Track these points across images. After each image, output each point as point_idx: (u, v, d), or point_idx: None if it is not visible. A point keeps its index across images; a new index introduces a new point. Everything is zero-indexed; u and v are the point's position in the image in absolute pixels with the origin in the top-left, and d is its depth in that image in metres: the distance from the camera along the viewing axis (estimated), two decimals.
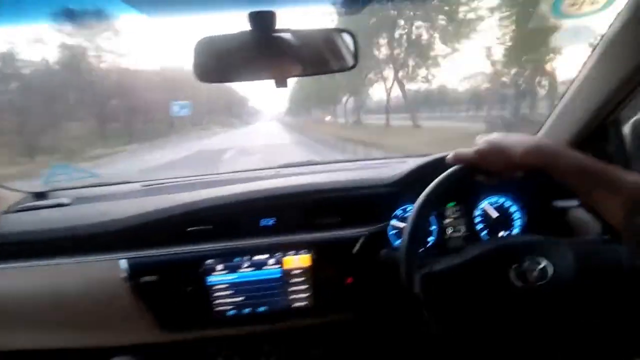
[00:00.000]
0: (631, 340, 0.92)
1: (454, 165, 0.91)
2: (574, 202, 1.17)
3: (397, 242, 1.21)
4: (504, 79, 15.78)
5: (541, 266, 0.87)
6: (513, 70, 14.81)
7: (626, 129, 1.16)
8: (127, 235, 1.17)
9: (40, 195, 1.41)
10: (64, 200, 1.36)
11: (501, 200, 1.27)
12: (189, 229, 1.18)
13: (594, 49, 1.05)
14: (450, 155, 0.93)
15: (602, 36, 1.01)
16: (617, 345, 0.91)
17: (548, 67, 13.05)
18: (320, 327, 1.22)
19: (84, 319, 1.16)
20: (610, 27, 0.99)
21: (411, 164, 1.27)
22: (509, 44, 13.57)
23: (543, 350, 0.92)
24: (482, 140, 0.89)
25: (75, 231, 1.19)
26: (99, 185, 1.59)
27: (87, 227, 1.19)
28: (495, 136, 0.88)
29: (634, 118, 1.16)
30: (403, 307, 0.95)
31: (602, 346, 0.92)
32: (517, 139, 0.86)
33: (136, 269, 1.11)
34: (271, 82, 0.86)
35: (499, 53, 15.50)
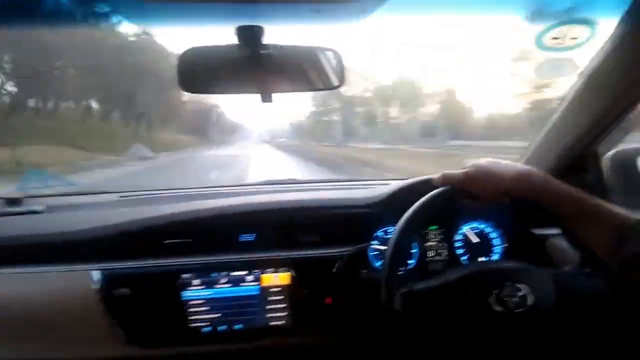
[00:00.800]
0: None
1: (440, 186, 0.92)
2: (553, 231, 1.18)
3: (378, 264, 1.20)
4: None
5: (521, 293, 0.86)
6: None
7: (605, 161, 1.18)
8: (101, 246, 1.14)
9: (13, 202, 1.38)
10: (38, 208, 1.32)
11: (482, 225, 1.27)
12: (166, 242, 1.16)
13: (575, 82, 1.08)
14: (437, 176, 0.94)
15: (584, 69, 1.04)
16: None
17: None
18: (298, 346, 1.20)
19: (53, 330, 1.12)
20: (591, 61, 1.02)
21: (394, 186, 1.27)
22: None
23: None
24: (471, 164, 0.90)
25: (48, 239, 1.15)
26: (75, 194, 1.56)
27: (61, 235, 1.16)
28: (484, 161, 0.90)
29: (613, 151, 1.19)
30: (382, 328, 0.94)
31: None
32: (506, 165, 0.88)
33: (109, 281, 1.08)
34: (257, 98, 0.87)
35: None
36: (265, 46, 0.82)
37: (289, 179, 1.73)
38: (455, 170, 0.92)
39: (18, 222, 1.26)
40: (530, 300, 0.86)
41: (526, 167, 0.89)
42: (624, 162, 1.21)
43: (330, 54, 0.91)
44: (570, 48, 0.99)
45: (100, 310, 1.08)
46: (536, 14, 1.01)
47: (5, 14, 0.98)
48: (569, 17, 0.96)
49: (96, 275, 1.08)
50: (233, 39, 0.80)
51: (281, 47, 0.84)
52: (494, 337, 0.87)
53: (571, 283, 0.91)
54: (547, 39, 0.99)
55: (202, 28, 0.88)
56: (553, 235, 1.18)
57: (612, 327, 0.87)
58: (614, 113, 1.02)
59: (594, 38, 0.96)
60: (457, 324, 0.88)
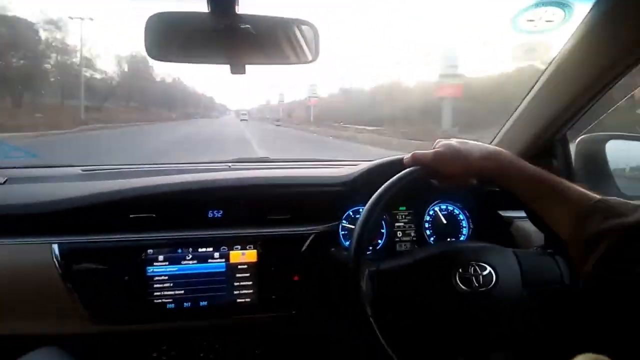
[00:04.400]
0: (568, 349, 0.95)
1: (410, 166, 0.92)
2: (519, 213, 1.20)
3: (347, 243, 1.20)
4: None
5: (485, 272, 0.88)
6: None
7: (573, 146, 1.21)
8: (63, 219, 1.10)
9: None
10: None
11: (450, 207, 1.29)
12: (131, 216, 1.13)
13: (546, 67, 1.09)
14: (407, 156, 0.94)
15: (555, 55, 1.05)
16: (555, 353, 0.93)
17: None
18: (264, 324, 1.20)
19: (11, 304, 1.07)
20: (562, 46, 1.03)
21: (365, 165, 1.27)
22: None
23: (480, 351, 0.93)
24: (441, 144, 0.91)
25: (7, 211, 1.11)
26: (37, 167, 1.51)
27: (21, 207, 1.11)
28: (454, 141, 0.91)
29: (580, 136, 1.21)
30: (348, 305, 0.95)
31: (540, 352, 0.95)
32: (475, 145, 0.90)
33: (70, 255, 1.05)
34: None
35: None
36: (238, 16, 0.79)
37: (260, 157, 1.72)
38: (425, 150, 0.92)
39: None
40: (493, 278, 0.88)
41: (495, 147, 0.91)
42: (592, 148, 1.24)
43: (306, 28, 0.88)
44: (545, 31, 0.99)
45: (61, 285, 1.04)
46: None
47: None
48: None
49: (57, 248, 1.05)
50: (204, 7, 0.77)
51: (255, 17, 0.82)
52: (459, 316, 0.89)
53: (535, 263, 0.93)
54: (522, 21, 0.99)
55: None
56: (519, 217, 1.21)
57: (574, 306, 0.89)
58: (583, 99, 1.04)
59: (568, 22, 0.97)
60: (423, 302, 0.89)
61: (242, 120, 47.17)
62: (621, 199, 0.77)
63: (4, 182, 1.27)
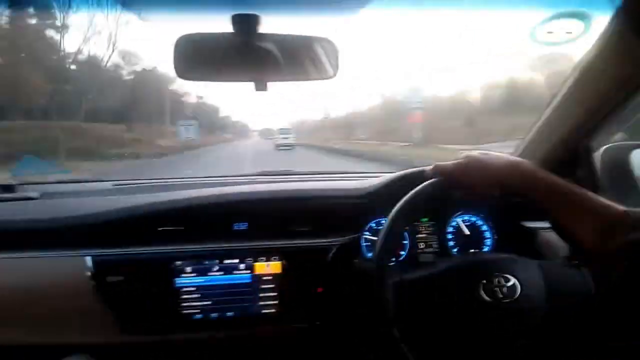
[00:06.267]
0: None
1: (432, 177, 0.92)
2: (543, 224, 1.19)
3: (370, 254, 1.21)
4: None
5: (510, 284, 0.88)
6: None
7: (597, 156, 1.19)
8: (95, 233, 1.15)
9: (8, 188, 1.38)
10: (32, 194, 1.33)
11: (473, 218, 1.28)
12: (159, 229, 1.16)
13: (568, 76, 1.09)
14: (430, 167, 0.94)
15: (577, 63, 1.05)
16: None
17: None
18: (288, 335, 1.21)
19: (45, 316, 1.12)
20: (585, 54, 1.02)
21: (387, 177, 1.28)
22: None
23: None
24: (464, 155, 0.91)
25: (42, 225, 1.16)
26: (69, 182, 1.56)
27: (54, 221, 1.16)
28: (476, 153, 0.91)
29: (605, 146, 1.20)
30: (372, 317, 0.95)
31: None
32: (498, 157, 0.89)
33: (102, 267, 1.09)
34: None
35: None
36: (260, 35, 0.82)
37: (283, 170, 1.74)
38: (448, 161, 0.93)
39: (12, 208, 1.26)
40: (518, 290, 0.87)
41: (517, 158, 0.90)
42: (616, 158, 1.22)
43: (325, 44, 0.91)
44: (564, 42, 0.99)
45: (92, 297, 1.08)
46: None
47: None
48: (564, 11, 0.96)
49: (89, 261, 1.09)
50: (228, 27, 0.80)
51: (276, 35, 0.85)
52: (482, 327, 0.88)
53: (560, 274, 0.92)
54: (541, 33, 0.99)
55: (197, 16, 0.88)
56: (543, 228, 1.19)
57: (599, 318, 0.88)
58: (606, 108, 1.03)
59: (588, 33, 0.96)
60: (446, 314, 0.89)
61: (282, 148, 21.18)
62: None
63: (39, 197, 1.32)
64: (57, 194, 1.38)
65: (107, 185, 1.49)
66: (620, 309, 0.78)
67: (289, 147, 21.44)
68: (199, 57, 0.84)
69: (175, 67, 0.83)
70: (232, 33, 0.81)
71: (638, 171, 1.20)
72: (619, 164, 1.21)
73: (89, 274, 1.08)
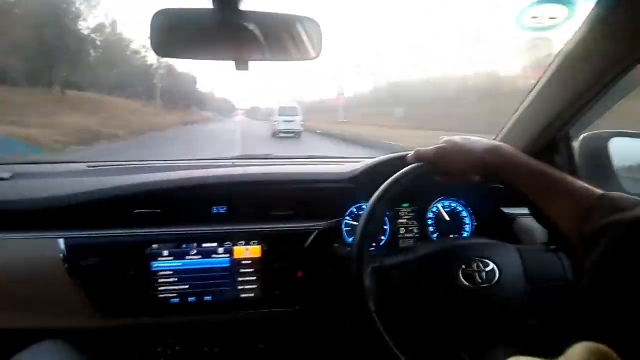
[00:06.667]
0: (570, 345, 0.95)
1: (413, 163, 0.92)
2: (522, 210, 1.20)
3: (350, 239, 1.21)
4: None
5: (489, 269, 0.88)
6: None
7: (576, 143, 1.20)
8: (69, 214, 1.11)
9: None
10: (3, 175, 1.28)
11: (453, 204, 1.29)
12: (136, 211, 1.14)
13: (550, 63, 1.09)
14: (411, 153, 0.94)
15: (559, 51, 1.05)
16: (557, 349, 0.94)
17: None
18: (267, 319, 1.20)
19: (16, 298, 1.09)
20: (566, 43, 1.02)
21: (368, 162, 1.27)
22: None
23: (483, 346, 0.93)
24: (444, 140, 0.91)
25: (13, 206, 1.12)
26: (42, 163, 1.51)
27: (27, 203, 1.13)
28: (457, 137, 0.91)
29: (585, 134, 1.21)
30: (351, 301, 0.95)
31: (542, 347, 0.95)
32: (478, 141, 0.90)
33: (75, 250, 1.06)
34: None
35: None
36: (242, 12, 0.79)
37: (264, 154, 1.72)
38: (428, 147, 0.92)
39: None
40: (497, 275, 0.88)
41: (497, 142, 0.91)
42: (595, 146, 1.23)
43: (309, 24, 0.89)
44: (549, 28, 0.99)
45: (66, 280, 1.05)
46: None
47: None
48: None
49: (62, 244, 1.06)
50: (208, 3, 0.77)
51: (258, 13, 0.82)
52: (462, 312, 0.89)
53: (538, 259, 0.93)
54: (526, 18, 0.98)
55: None
56: (522, 214, 1.21)
57: (577, 302, 0.90)
58: (587, 96, 1.03)
59: (572, 19, 0.96)
60: (426, 298, 0.90)
61: (284, 135, 17.27)
62: (624, 194, 0.76)
63: (10, 178, 1.27)
64: (29, 175, 1.34)
65: (82, 166, 1.45)
66: (600, 295, 0.79)
67: (293, 134, 16.69)
68: (177, 34, 0.81)
69: (152, 43, 0.79)
70: (212, 9, 0.77)
71: (616, 160, 1.22)
72: (598, 153, 1.23)
73: (61, 256, 1.05)
